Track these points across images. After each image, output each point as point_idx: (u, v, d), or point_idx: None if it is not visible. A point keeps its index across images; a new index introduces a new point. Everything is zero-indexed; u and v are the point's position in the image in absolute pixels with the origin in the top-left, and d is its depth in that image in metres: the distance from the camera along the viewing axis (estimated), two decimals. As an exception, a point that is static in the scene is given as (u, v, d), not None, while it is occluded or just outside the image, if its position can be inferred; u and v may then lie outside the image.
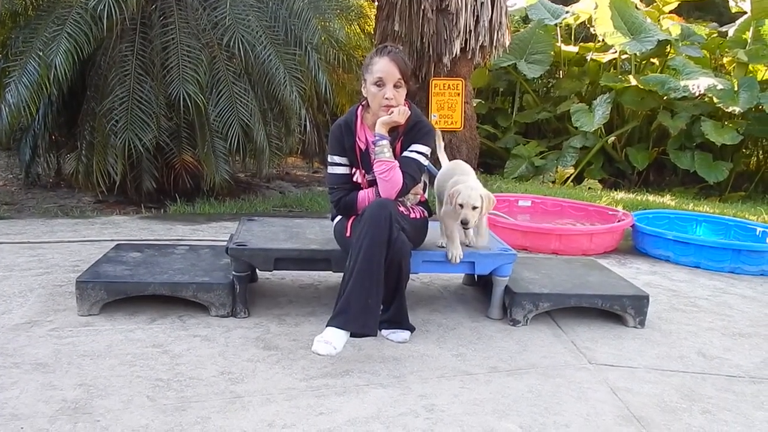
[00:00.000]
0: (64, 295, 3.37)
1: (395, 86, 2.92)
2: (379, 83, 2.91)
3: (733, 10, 10.56)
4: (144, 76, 5.60)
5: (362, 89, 3.03)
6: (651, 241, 5.00)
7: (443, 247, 3.26)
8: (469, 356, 2.90)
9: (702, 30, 10.43)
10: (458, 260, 3.14)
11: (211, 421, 2.24)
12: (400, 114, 2.94)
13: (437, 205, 3.40)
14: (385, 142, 2.91)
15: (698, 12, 13.42)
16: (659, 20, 10.33)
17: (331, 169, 3.09)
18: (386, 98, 2.91)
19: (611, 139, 9.82)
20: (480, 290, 3.77)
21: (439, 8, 7.39)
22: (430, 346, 2.98)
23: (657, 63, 10.43)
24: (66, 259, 4.08)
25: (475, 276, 3.83)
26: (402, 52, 3.02)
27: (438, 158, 3.61)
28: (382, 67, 2.91)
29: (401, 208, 2.97)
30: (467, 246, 3.33)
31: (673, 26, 10.00)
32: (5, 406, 2.26)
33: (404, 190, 2.95)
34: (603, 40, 10.04)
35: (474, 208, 3.02)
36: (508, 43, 7.93)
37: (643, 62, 10.49)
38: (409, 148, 3.00)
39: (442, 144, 3.66)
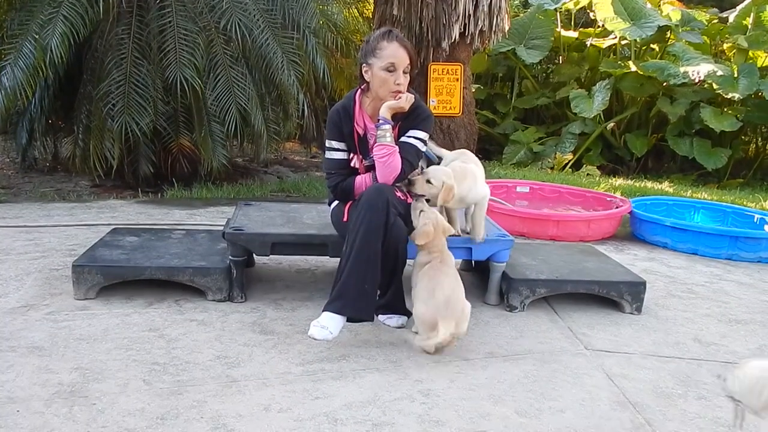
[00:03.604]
0: (61, 279, 3.36)
1: (404, 72, 2.90)
2: (391, 68, 2.88)
3: (734, -4, 10.50)
4: (141, 59, 5.55)
5: (363, 73, 2.97)
6: (649, 227, 5.00)
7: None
8: (466, 341, 2.89)
9: (702, 16, 10.36)
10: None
11: (207, 405, 2.24)
12: (407, 101, 2.92)
13: None
14: (388, 126, 2.89)
15: (699, -3, 13.34)
16: (659, 6, 10.26)
17: (328, 154, 3.07)
18: (398, 84, 2.89)
19: (610, 125, 9.79)
20: (477, 276, 3.77)
21: (439, -8, 7.34)
22: (426, 332, 2.98)
23: (657, 49, 10.38)
24: (62, 243, 4.07)
25: (473, 261, 3.82)
26: (403, 36, 2.99)
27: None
28: (394, 52, 2.88)
29: (398, 194, 2.96)
30: (466, 233, 3.32)
31: (673, 12, 9.93)
32: (1, 390, 2.26)
33: (402, 176, 2.93)
34: (603, 25, 9.98)
35: (428, 182, 2.95)
36: (507, 28, 7.86)
37: (643, 48, 10.43)
38: (408, 134, 2.98)
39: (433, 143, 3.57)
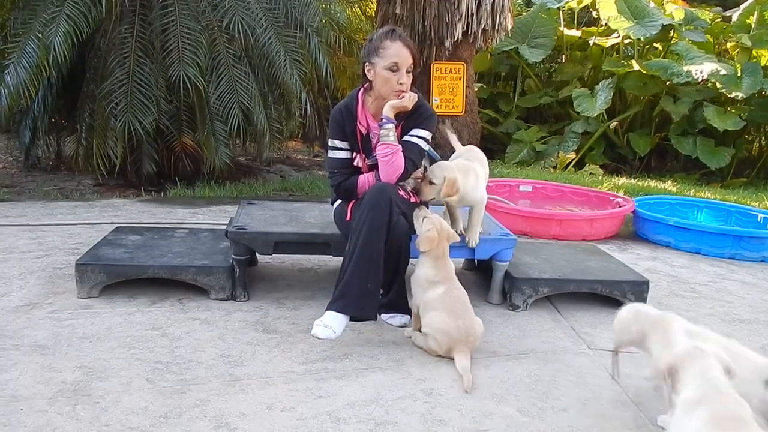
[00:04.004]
0: (64, 278, 3.37)
1: (407, 71, 2.90)
2: (394, 68, 2.88)
3: (738, -5, 10.46)
4: (144, 58, 5.56)
5: (366, 72, 2.97)
6: (652, 226, 5.00)
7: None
8: (469, 341, 2.89)
9: (706, 14, 10.34)
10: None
11: (210, 404, 2.24)
12: (410, 100, 2.92)
13: None
14: (392, 125, 2.89)
15: (702, -4, 13.31)
16: (663, 4, 10.24)
17: (331, 153, 3.07)
18: (400, 83, 2.89)
19: (613, 124, 9.77)
20: (480, 275, 3.77)
21: (441, -9, 7.34)
22: (429, 331, 2.98)
23: (660, 48, 10.36)
24: (66, 241, 4.07)
25: (475, 261, 3.82)
26: (406, 35, 2.99)
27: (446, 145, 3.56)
28: (397, 51, 2.88)
29: (401, 193, 2.96)
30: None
31: (676, 11, 9.90)
32: (5, 388, 2.27)
33: (405, 175, 2.94)
34: (606, 24, 9.97)
35: (431, 183, 2.97)
36: (510, 27, 7.86)
37: (646, 47, 10.41)
38: (410, 133, 2.98)
39: (455, 135, 3.59)
